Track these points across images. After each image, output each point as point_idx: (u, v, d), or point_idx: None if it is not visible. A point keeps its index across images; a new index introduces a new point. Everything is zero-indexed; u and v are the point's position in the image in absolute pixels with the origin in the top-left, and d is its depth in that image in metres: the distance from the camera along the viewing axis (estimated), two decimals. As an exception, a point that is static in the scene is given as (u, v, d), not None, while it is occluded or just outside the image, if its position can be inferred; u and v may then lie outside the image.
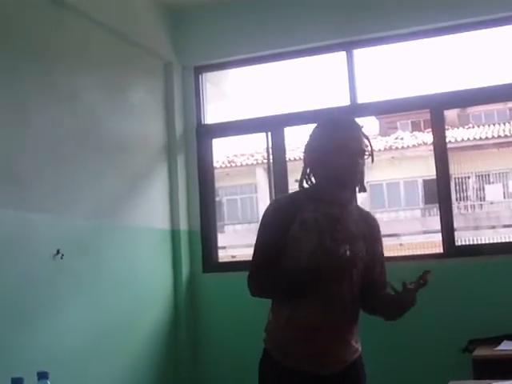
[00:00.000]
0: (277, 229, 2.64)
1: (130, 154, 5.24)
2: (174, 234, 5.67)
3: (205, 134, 5.97)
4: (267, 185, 11.16)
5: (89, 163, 4.73)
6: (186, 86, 5.98)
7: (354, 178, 2.68)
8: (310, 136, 2.79)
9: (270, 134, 5.84)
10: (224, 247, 5.66)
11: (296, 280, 2.59)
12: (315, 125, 2.80)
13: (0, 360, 3.71)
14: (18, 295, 3.97)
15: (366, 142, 2.72)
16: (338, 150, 2.64)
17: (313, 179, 2.75)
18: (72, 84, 4.66)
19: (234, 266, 5.80)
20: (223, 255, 5.92)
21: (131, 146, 5.27)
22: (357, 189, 2.77)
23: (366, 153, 2.70)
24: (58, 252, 4.25)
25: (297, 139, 7.44)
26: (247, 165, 16.14)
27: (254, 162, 16.04)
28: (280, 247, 2.63)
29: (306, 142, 2.79)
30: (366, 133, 2.77)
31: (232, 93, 6.66)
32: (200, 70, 6.05)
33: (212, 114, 6.11)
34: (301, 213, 2.64)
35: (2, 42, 4.05)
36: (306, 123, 5.90)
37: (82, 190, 4.62)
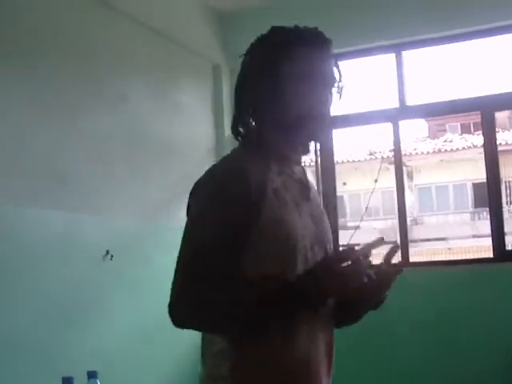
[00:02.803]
0: (234, 212, 1.57)
1: (177, 156, 5.27)
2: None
3: (252, 135, 5.96)
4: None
5: (137, 165, 4.77)
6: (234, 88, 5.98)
7: (321, 130, 1.73)
8: (254, 52, 1.81)
9: (318, 136, 5.80)
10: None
11: (281, 298, 1.55)
12: (262, 34, 1.82)
13: (51, 359, 3.77)
14: (68, 295, 4.02)
15: (336, 66, 1.78)
16: (301, 74, 1.68)
17: (253, 123, 1.76)
18: (121, 86, 4.71)
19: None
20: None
21: (179, 148, 5.30)
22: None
23: (335, 85, 1.76)
24: (107, 253, 4.30)
25: (346, 141, 7.39)
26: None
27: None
28: (238, 246, 1.59)
29: (244, 64, 1.82)
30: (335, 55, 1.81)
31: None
32: (248, 72, 6.04)
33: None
34: (268, 177, 1.64)
35: (52, 45, 4.11)
36: (355, 125, 5.88)
37: (131, 192, 4.67)
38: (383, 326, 4.71)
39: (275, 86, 1.69)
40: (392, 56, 5.60)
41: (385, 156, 15.00)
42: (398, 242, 5.66)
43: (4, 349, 3.47)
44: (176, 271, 1.60)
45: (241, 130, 1.76)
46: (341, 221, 5.55)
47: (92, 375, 2.33)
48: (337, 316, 1.79)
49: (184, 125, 5.41)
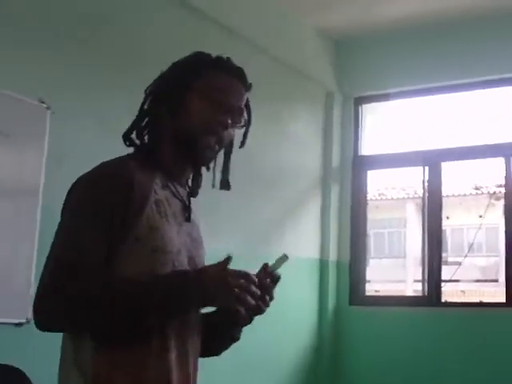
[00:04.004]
0: (110, 214, 1.52)
1: (284, 183, 5.28)
2: (323, 264, 5.65)
3: (361, 165, 5.94)
4: (417, 220, 10.94)
5: (244, 189, 4.79)
6: (346, 116, 5.97)
7: (210, 147, 1.70)
8: (173, 66, 1.76)
9: (426, 168, 5.73)
10: (368, 281, 5.60)
11: (152, 294, 1.49)
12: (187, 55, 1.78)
13: None
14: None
15: (246, 108, 1.77)
16: (203, 95, 1.66)
17: (148, 133, 1.73)
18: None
19: (382, 300, 5.73)
20: (367, 288, 5.89)
21: (286, 175, 5.31)
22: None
23: (241, 122, 1.75)
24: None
25: (454, 175, 7.23)
26: (397, 198, 15.89)
27: (405, 196, 15.75)
28: (108, 250, 1.53)
29: (159, 75, 1.76)
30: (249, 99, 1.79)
31: (390, 124, 6.60)
32: (360, 100, 6.02)
33: (369, 145, 6.07)
34: (152, 187, 1.61)
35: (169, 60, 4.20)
36: (465, 159, 5.75)
37: (237, 216, 4.71)
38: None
39: (179, 98, 1.67)
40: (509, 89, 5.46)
41: (491, 191, 14.58)
42: (502, 280, 5.51)
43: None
44: (45, 265, 1.52)
45: (133, 137, 1.72)
46: (442, 255, 5.45)
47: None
48: (208, 334, 1.74)
49: (294, 151, 5.42)
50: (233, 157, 4.93)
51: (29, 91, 3.34)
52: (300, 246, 5.43)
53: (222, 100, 1.67)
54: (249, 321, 1.73)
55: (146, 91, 1.73)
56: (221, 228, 4.52)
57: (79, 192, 1.58)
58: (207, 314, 1.75)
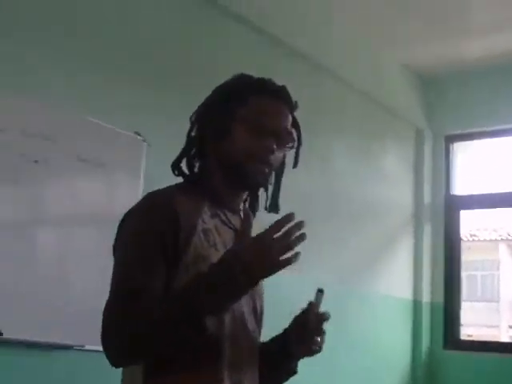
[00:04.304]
0: (163, 240, 1.52)
1: (375, 220, 5.22)
2: (416, 305, 5.52)
3: (453, 204, 5.79)
4: (511, 263, 10.61)
5: (335, 226, 4.77)
6: (437, 154, 5.87)
7: (261, 173, 1.65)
8: (215, 92, 1.73)
9: (520, 209, 5.54)
10: (461, 324, 5.43)
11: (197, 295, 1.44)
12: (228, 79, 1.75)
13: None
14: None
15: (295, 127, 1.76)
16: (247, 122, 1.63)
17: (197, 164, 1.72)
18: (325, 147, 4.75)
19: (478, 345, 5.53)
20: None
21: (377, 212, 5.25)
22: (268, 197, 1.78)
23: (290, 143, 1.73)
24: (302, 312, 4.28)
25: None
26: (490, 240, 15.51)
27: (498, 238, 15.37)
28: (165, 275, 1.52)
29: (203, 102, 1.74)
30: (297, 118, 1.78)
31: (483, 164, 6.44)
32: (451, 139, 5.91)
33: (462, 185, 5.93)
34: (200, 216, 1.59)
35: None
36: None
37: (327, 252, 4.66)
38: None
39: (224, 126, 1.64)
40: None
41: None
42: None
43: None
44: (113, 293, 1.52)
45: (184, 166, 1.71)
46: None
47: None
48: (268, 373, 1.71)
49: (383, 188, 5.36)
50: (323, 190, 4.93)
51: (125, 124, 3.40)
52: (392, 285, 5.33)
53: (263, 124, 1.64)
54: (307, 353, 1.71)
55: (191, 119, 1.72)
56: (309, 262, 4.46)
57: (129, 224, 1.58)
58: (263, 345, 1.73)
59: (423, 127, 5.80)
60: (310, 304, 1.71)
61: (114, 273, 1.53)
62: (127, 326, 1.44)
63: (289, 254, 1.44)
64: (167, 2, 3.85)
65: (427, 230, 5.70)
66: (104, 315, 1.47)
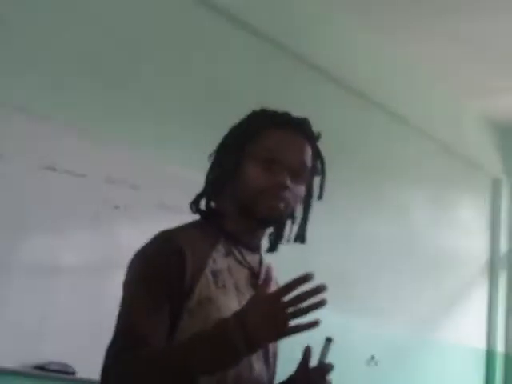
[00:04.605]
0: (167, 286, 1.49)
1: (450, 269, 5.21)
2: (490, 355, 5.44)
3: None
4: None
5: (409, 274, 4.78)
6: (514, 203, 5.83)
7: (274, 209, 1.58)
8: (228, 133, 1.70)
9: None
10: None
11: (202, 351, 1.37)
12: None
13: None
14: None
15: (316, 158, 1.66)
16: (257, 157, 1.59)
17: (213, 204, 1.68)
18: (401, 197, 4.82)
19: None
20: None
21: (453, 261, 5.24)
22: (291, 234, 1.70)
23: (306, 174, 1.64)
24: (372, 358, 4.31)
25: None
26: None
27: None
28: (168, 321, 1.48)
29: (219, 143, 1.71)
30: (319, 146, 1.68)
31: None
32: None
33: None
34: (210, 257, 1.55)
35: (339, 150, 4.26)
36: None
37: (400, 300, 4.68)
38: None
39: (237, 164, 1.59)
40: None
41: None
42: None
43: None
44: (117, 334, 1.47)
45: (202, 205, 1.66)
46: None
47: None
48: None
49: (458, 238, 5.35)
50: (400, 240, 4.92)
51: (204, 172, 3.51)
52: (465, 333, 5.28)
53: (274, 159, 1.56)
54: None
55: (209, 159, 1.69)
56: (381, 308, 4.51)
57: (137, 268, 1.53)
58: None
59: (500, 177, 5.79)
60: (306, 350, 1.60)
61: (119, 315, 1.50)
62: (128, 374, 1.40)
63: (301, 320, 1.31)
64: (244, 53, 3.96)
65: (502, 278, 5.65)
66: (106, 356, 1.44)
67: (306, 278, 1.30)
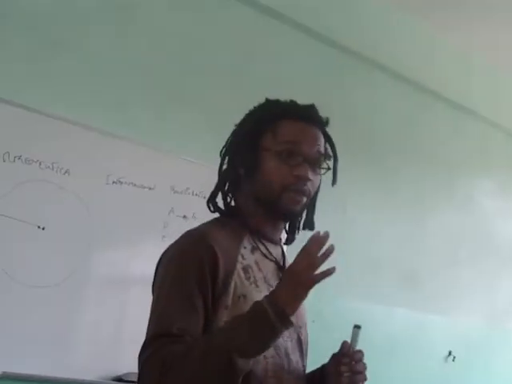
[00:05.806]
0: (202, 284, 1.47)
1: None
2: None
3: None
4: None
5: (484, 266, 4.70)
6: None
7: (296, 203, 1.58)
8: (240, 125, 1.69)
9: None
10: None
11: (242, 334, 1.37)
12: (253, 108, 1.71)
13: None
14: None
15: (328, 145, 1.65)
16: (275, 151, 1.57)
17: (231, 198, 1.68)
18: (470, 188, 4.75)
19: None
20: None
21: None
22: (299, 224, 1.70)
23: (325, 164, 1.63)
24: (449, 354, 4.26)
25: None
26: None
27: None
28: (203, 319, 1.46)
29: (229, 138, 1.71)
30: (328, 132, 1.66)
31: None
32: None
33: None
34: (239, 253, 1.55)
35: (401, 142, 4.20)
36: None
37: (477, 294, 4.61)
38: None
39: (253, 160, 1.58)
40: None
41: None
42: None
43: None
44: (150, 327, 1.48)
45: (216, 202, 1.66)
46: None
47: None
48: None
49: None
50: (469, 230, 4.82)
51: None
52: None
53: (292, 151, 1.56)
54: None
55: (221, 153, 1.68)
56: (460, 304, 4.45)
57: (169, 267, 1.53)
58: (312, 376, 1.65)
59: None
60: (343, 344, 1.58)
61: (152, 314, 1.49)
62: (167, 372, 1.37)
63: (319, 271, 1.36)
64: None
65: None
66: (141, 358, 1.43)
67: (324, 237, 1.35)
